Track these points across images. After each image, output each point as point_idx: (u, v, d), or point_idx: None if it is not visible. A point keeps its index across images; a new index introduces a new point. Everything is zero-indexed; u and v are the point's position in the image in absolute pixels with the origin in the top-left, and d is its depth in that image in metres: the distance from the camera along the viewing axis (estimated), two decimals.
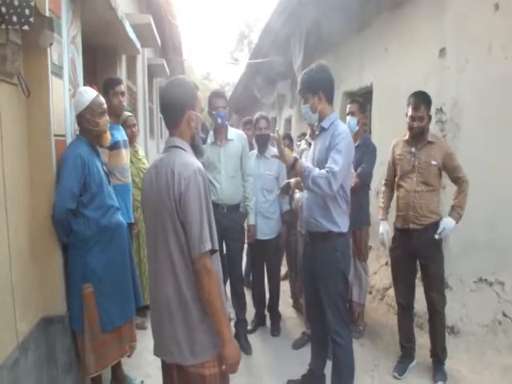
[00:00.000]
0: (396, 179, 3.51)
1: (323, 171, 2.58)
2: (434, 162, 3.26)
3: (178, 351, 1.90)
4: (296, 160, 2.67)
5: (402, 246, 3.44)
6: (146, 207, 2.02)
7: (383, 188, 3.68)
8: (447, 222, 3.25)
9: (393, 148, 3.53)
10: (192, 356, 1.88)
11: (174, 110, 1.96)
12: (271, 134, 2.91)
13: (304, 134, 5.20)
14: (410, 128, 3.33)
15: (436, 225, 3.28)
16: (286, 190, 3.20)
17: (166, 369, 2.05)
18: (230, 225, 3.86)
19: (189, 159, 1.89)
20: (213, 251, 1.84)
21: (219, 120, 3.75)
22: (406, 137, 3.42)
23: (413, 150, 3.34)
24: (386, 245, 3.63)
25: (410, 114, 3.31)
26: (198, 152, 2.05)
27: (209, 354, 1.90)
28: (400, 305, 3.58)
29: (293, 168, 2.72)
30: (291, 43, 7.76)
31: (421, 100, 3.29)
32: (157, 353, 2.03)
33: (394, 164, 3.51)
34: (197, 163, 1.89)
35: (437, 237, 3.24)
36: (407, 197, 3.33)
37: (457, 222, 3.28)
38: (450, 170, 3.30)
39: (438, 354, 3.40)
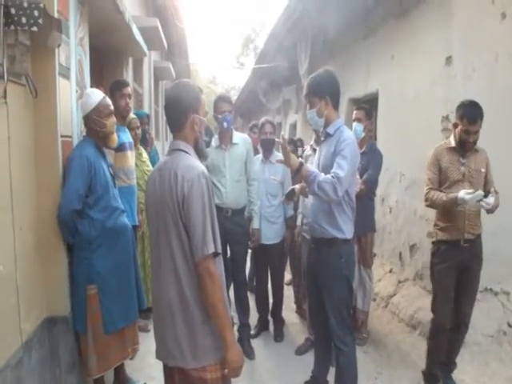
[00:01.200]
0: (442, 188, 3.18)
1: (329, 176, 2.56)
2: (483, 170, 3.16)
3: (180, 354, 1.88)
4: (301, 164, 2.66)
5: (450, 260, 3.14)
6: (149, 209, 2.02)
7: (432, 192, 3.17)
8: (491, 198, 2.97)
9: (435, 157, 3.24)
10: (194, 359, 1.87)
11: (178, 114, 1.97)
12: (276, 139, 2.90)
13: (294, 141, 5.19)
14: (465, 142, 3.11)
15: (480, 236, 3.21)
16: (291, 197, 3.19)
17: (168, 372, 2.03)
18: (234, 229, 3.85)
19: (192, 162, 1.90)
20: (216, 254, 1.84)
21: (225, 124, 3.75)
22: (452, 144, 3.19)
23: (461, 158, 3.15)
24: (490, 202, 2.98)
25: (465, 127, 3.06)
26: (201, 155, 2.06)
27: (211, 358, 1.88)
28: (439, 326, 3.21)
29: (298, 172, 2.71)
30: (297, 49, 7.78)
31: (478, 113, 3.08)
32: (159, 356, 2.02)
33: (440, 173, 3.21)
34: (200, 166, 1.89)
35: (483, 204, 2.95)
36: (461, 206, 3.04)
37: (491, 210, 3.03)
38: (488, 178, 3.22)
39: (451, 363, 3.32)
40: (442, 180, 3.21)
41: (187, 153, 1.95)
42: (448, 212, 3.17)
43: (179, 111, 1.96)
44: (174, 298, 1.88)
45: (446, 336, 3.22)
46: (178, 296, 1.87)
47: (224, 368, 1.86)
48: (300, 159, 2.78)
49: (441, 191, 3.15)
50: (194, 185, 1.80)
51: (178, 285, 1.87)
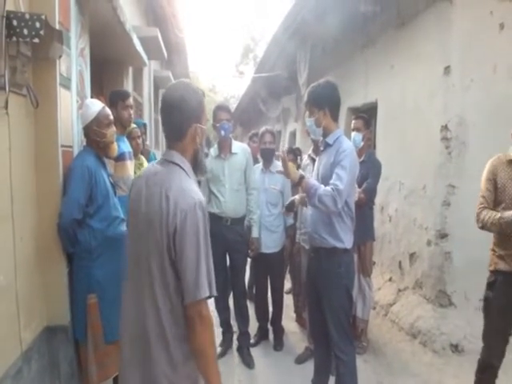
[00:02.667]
0: (498, 208, 2.73)
1: (328, 188, 2.58)
2: None
3: None
4: (302, 177, 2.68)
5: (508, 296, 2.69)
6: (130, 221, 1.77)
7: (485, 212, 2.75)
8: None
9: (491, 171, 2.82)
10: None
11: (179, 122, 1.69)
12: (277, 153, 2.92)
13: (293, 150, 5.20)
14: None
15: None
16: (291, 208, 3.22)
17: None
18: (233, 237, 3.86)
19: (188, 186, 1.64)
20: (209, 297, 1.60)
21: (222, 132, 3.76)
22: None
23: None
24: None
25: None
26: (199, 169, 1.81)
27: None
28: (487, 362, 2.83)
29: (298, 186, 2.73)
30: (296, 58, 7.82)
31: None
32: None
33: (496, 190, 2.76)
34: (198, 193, 1.64)
35: None
36: None
37: None
38: None
39: None
40: (498, 198, 2.76)
41: (182, 169, 1.69)
42: (506, 237, 2.69)
43: (180, 118, 1.68)
44: (151, 332, 1.63)
45: (494, 374, 2.83)
46: (157, 332, 1.62)
47: None
48: (300, 171, 2.79)
49: (497, 211, 2.69)
50: (188, 216, 1.56)
51: (157, 320, 1.62)
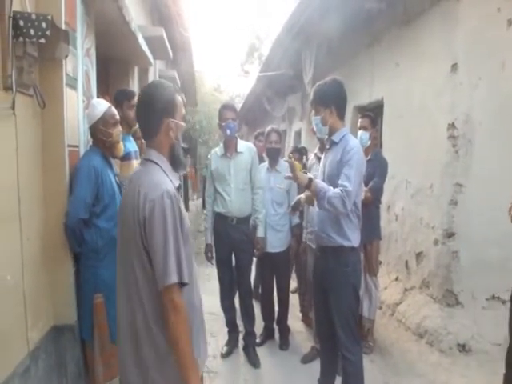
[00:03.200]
0: None
1: (337, 190, 2.57)
2: None
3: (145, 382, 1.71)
4: (311, 181, 2.67)
5: None
6: (118, 221, 1.85)
7: None
8: None
9: None
10: None
11: (150, 118, 1.75)
12: (285, 160, 2.91)
13: (299, 149, 5.19)
14: None
15: None
16: (297, 207, 3.21)
17: None
18: (239, 237, 3.86)
19: (158, 178, 1.70)
20: (182, 284, 1.64)
21: (228, 131, 3.76)
22: None
23: None
24: None
25: None
26: (177, 164, 1.84)
27: None
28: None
29: (307, 189, 2.73)
30: (302, 57, 7.80)
31: None
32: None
33: None
34: (167, 184, 1.69)
35: None
36: None
37: None
38: None
39: None
40: None
41: (158, 165, 1.75)
42: None
43: (151, 115, 1.75)
44: (139, 323, 1.69)
45: None
46: (143, 323, 1.68)
47: None
48: (309, 174, 2.78)
49: None
50: (156, 205, 1.61)
51: (142, 312, 1.68)
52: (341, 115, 2.83)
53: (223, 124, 3.78)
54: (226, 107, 3.91)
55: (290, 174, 2.79)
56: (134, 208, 1.65)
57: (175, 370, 1.66)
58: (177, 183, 1.81)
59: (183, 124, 1.86)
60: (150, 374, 1.70)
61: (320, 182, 2.72)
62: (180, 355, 1.63)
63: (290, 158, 2.81)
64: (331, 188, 2.62)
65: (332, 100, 2.78)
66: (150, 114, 1.75)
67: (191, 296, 1.78)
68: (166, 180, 1.71)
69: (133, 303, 1.71)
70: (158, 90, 1.77)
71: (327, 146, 2.93)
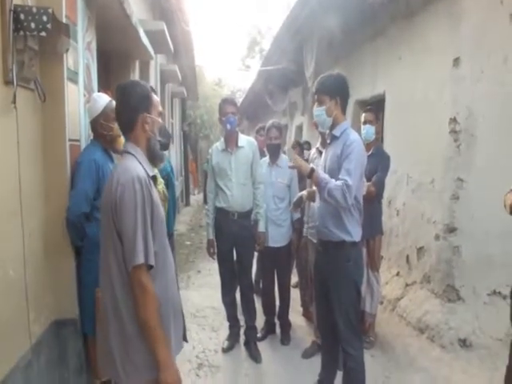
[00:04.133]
0: None
1: (339, 183, 2.57)
2: None
3: (112, 367, 1.79)
4: (312, 171, 2.67)
5: None
6: (101, 208, 1.95)
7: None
8: None
9: None
10: (125, 376, 1.76)
11: (127, 113, 1.88)
12: (289, 164, 2.90)
13: (300, 144, 5.18)
14: None
15: None
16: (299, 204, 3.20)
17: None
18: (240, 232, 3.85)
19: (130, 165, 1.80)
20: (149, 266, 1.73)
21: (228, 126, 3.75)
22: None
23: None
24: None
25: None
26: (154, 157, 1.96)
27: (142, 377, 1.77)
28: None
29: (309, 178, 2.72)
30: (303, 51, 7.76)
31: None
32: (99, 366, 1.92)
33: None
34: (137, 170, 1.78)
35: None
36: None
37: None
38: None
39: None
40: None
41: (133, 155, 1.86)
42: None
43: (128, 110, 1.87)
44: (109, 307, 1.78)
45: None
46: (112, 306, 1.77)
47: None
48: (311, 165, 2.78)
49: None
50: (126, 189, 1.71)
51: (112, 295, 1.77)
52: (344, 108, 2.82)
53: (223, 118, 3.77)
54: (226, 101, 3.89)
55: (292, 164, 2.79)
56: (107, 192, 1.78)
57: (140, 357, 1.75)
58: (151, 173, 1.90)
59: (159, 120, 1.97)
60: (115, 356, 1.77)
61: (322, 173, 2.71)
62: (149, 333, 1.71)
63: (292, 148, 2.79)
64: (333, 180, 2.62)
65: (338, 91, 2.77)
66: (126, 109, 1.88)
67: (165, 285, 1.86)
68: (137, 167, 1.81)
69: (105, 285, 1.81)
70: (133, 87, 1.90)
71: (328, 141, 2.92)
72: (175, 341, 1.92)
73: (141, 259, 1.68)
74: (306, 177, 2.75)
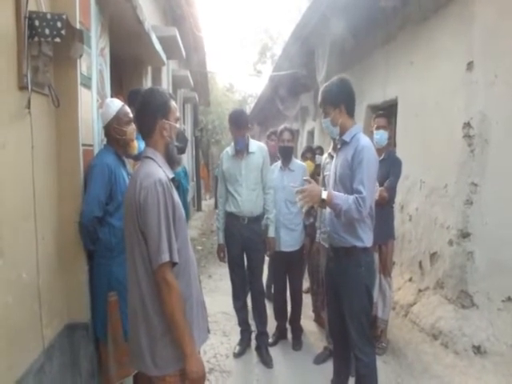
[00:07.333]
0: None
1: (351, 202, 2.56)
2: None
3: (142, 361, 1.91)
4: (323, 201, 2.64)
5: None
6: (124, 212, 2.03)
7: None
8: None
9: None
10: (154, 367, 1.89)
11: (146, 120, 1.97)
12: (304, 178, 2.90)
13: (312, 149, 5.15)
14: None
15: None
16: (311, 213, 3.20)
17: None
18: (250, 236, 3.86)
19: (152, 169, 1.90)
20: (173, 264, 1.83)
21: (237, 147, 3.86)
22: None
23: None
24: None
25: None
26: (171, 161, 2.04)
27: (171, 368, 1.89)
28: None
29: (323, 208, 2.84)
30: (315, 56, 7.77)
31: None
32: (131, 359, 2.05)
33: None
34: (159, 174, 1.88)
35: None
36: None
37: None
38: None
39: None
40: None
41: (153, 159, 1.95)
42: None
43: (147, 117, 1.97)
44: (137, 305, 1.90)
45: None
46: (141, 305, 1.88)
47: (185, 379, 1.87)
48: (323, 194, 2.71)
49: None
50: (149, 192, 1.81)
51: (139, 292, 1.88)
52: (350, 113, 2.80)
53: (233, 142, 3.88)
54: (232, 123, 3.88)
55: (307, 177, 2.79)
56: (131, 196, 1.86)
57: (167, 351, 1.86)
58: (171, 175, 1.98)
59: (177, 125, 2.06)
60: (144, 349, 1.89)
61: (334, 198, 2.64)
62: (176, 327, 1.81)
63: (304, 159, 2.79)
64: (345, 197, 2.60)
65: (340, 98, 2.76)
66: (145, 115, 1.97)
67: (187, 280, 1.96)
68: (158, 171, 1.91)
69: (132, 284, 1.92)
70: (153, 94, 2.00)
71: (338, 146, 2.90)
72: (200, 332, 2.03)
73: (166, 257, 1.79)
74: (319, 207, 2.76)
